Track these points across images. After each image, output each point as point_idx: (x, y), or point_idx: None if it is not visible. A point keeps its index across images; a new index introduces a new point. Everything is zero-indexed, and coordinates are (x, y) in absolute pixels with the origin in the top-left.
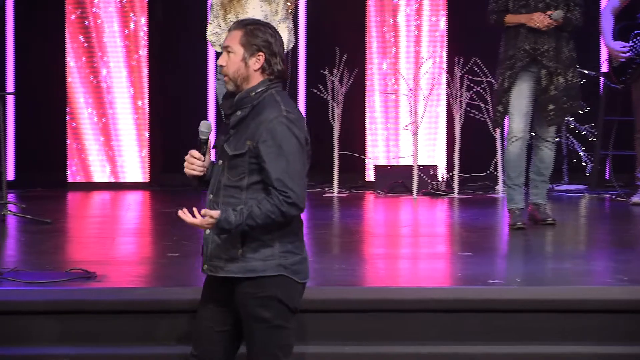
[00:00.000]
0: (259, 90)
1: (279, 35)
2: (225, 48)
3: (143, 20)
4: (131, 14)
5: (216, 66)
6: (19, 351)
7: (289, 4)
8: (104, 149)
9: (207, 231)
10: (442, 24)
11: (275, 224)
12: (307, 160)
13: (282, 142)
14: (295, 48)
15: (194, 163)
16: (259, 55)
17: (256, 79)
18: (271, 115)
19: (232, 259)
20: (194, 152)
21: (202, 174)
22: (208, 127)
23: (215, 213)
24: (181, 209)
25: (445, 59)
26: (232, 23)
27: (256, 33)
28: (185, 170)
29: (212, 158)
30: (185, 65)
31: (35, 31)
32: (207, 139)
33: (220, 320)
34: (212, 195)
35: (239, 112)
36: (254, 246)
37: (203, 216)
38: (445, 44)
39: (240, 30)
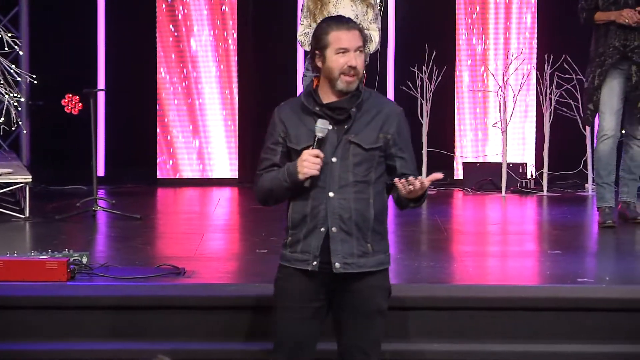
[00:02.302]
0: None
1: None
2: (358, 49)
3: (232, 9)
4: (222, 7)
5: (304, 62)
6: (107, 346)
7: (379, 2)
8: (193, 145)
9: (334, 229)
10: (529, 19)
11: None
12: None
13: (408, 133)
14: (384, 45)
15: (318, 163)
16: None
17: None
18: (395, 109)
19: (364, 254)
20: (318, 152)
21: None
22: (327, 124)
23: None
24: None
25: (534, 56)
26: None
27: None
28: (307, 170)
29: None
30: (275, 60)
31: (126, 25)
32: (324, 137)
33: (315, 323)
34: (333, 194)
35: (354, 109)
36: (377, 239)
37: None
38: (534, 40)
39: (359, 30)
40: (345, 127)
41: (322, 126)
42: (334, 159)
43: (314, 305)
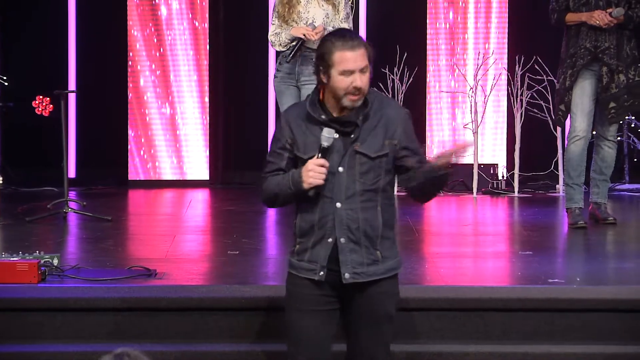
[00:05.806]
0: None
1: None
2: (362, 70)
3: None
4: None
5: (276, 63)
6: (79, 348)
7: (350, 3)
8: (164, 146)
9: (342, 239)
10: (500, 20)
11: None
12: None
13: (413, 132)
14: None
15: (323, 172)
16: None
17: None
18: (398, 112)
19: (374, 262)
20: (324, 161)
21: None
22: (333, 133)
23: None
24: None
25: (505, 57)
26: (294, 24)
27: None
28: (312, 180)
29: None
30: (245, 62)
31: (97, 26)
32: (330, 147)
33: (330, 325)
34: (340, 204)
35: (360, 119)
36: (386, 246)
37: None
38: (505, 41)
39: (364, 47)
40: (352, 136)
41: (328, 135)
42: (340, 169)
43: (326, 308)
